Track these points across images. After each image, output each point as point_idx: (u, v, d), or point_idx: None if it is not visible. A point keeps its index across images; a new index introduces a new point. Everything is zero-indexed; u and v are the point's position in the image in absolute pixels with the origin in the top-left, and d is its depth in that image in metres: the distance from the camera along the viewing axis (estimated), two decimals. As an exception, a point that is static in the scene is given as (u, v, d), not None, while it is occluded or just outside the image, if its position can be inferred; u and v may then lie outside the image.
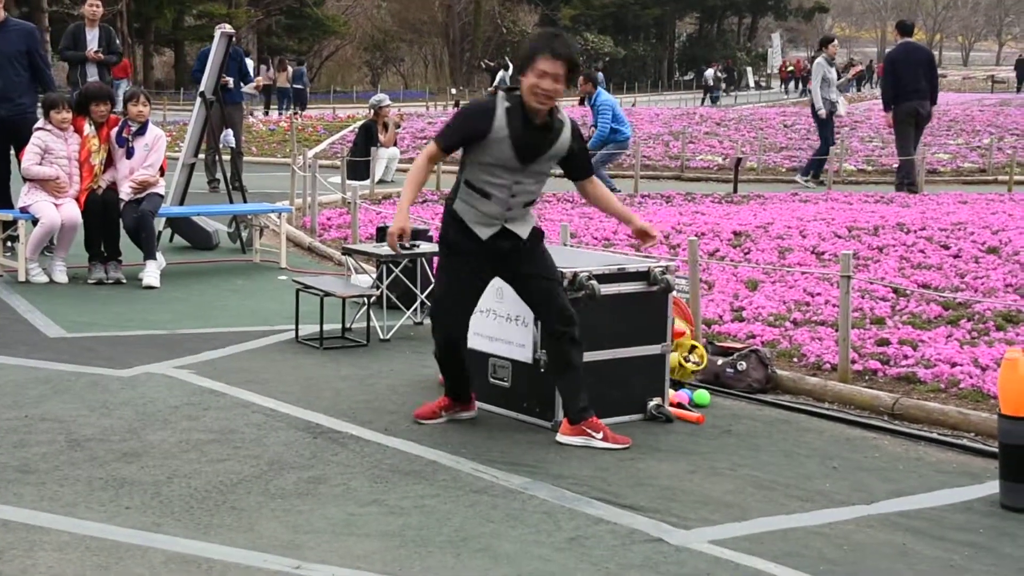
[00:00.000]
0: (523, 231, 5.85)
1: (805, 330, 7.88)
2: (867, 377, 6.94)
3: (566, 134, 5.70)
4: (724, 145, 25.52)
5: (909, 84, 17.43)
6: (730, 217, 13.42)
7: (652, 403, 6.23)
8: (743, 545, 4.53)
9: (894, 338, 7.52)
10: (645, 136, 26.82)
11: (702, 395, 6.62)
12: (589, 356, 5.97)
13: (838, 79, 20.85)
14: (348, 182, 15.55)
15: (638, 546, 4.50)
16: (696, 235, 10.53)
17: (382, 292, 8.32)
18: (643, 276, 6.18)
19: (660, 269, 6.22)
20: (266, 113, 38.46)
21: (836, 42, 21.25)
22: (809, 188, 18.95)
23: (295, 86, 40.28)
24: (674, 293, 6.40)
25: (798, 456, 5.73)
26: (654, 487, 5.18)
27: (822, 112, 19.46)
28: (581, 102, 17.97)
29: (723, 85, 63.39)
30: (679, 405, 6.41)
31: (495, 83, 50.37)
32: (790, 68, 73.07)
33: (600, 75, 50.69)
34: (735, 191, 18.17)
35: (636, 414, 6.22)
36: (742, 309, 8.47)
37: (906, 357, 7.15)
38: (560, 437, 5.78)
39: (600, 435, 5.73)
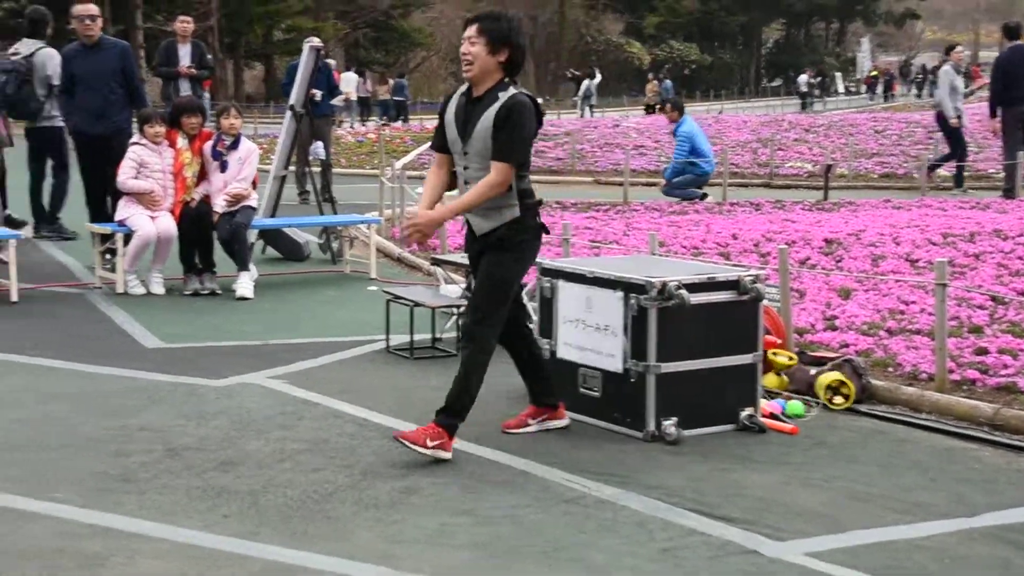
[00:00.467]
0: (479, 225, 5.70)
1: (900, 339, 7.76)
2: (965, 387, 6.81)
3: (492, 109, 5.49)
4: (814, 152, 25.28)
5: (1019, 88, 17.06)
6: (821, 224, 13.27)
7: (744, 413, 6.18)
8: (840, 558, 4.47)
9: (993, 347, 7.38)
10: (733, 144, 26.63)
11: (795, 406, 6.55)
12: (680, 366, 5.94)
13: (965, 87, 20.34)
14: (436, 192, 15.63)
15: (732, 558, 4.46)
16: (786, 243, 10.43)
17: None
18: (733, 285, 6.12)
19: (750, 278, 6.16)
20: (363, 124, 39.01)
21: (961, 48, 20.75)
22: (959, 194, 18.50)
23: (396, 98, 41.05)
24: (764, 302, 6.34)
25: (895, 467, 5.64)
26: (747, 498, 5.14)
27: (954, 122, 18.83)
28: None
29: (816, 91, 62.85)
30: (772, 416, 6.35)
31: (580, 92, 50.46)
32: (873, 73, 72.10)
33: (668, 82, 50.57)
34: (826, 198, 17.97)
35: (728, 424, 6.17)
36: (835, 318, 8.37)
37: (1006, 367, 7.00)
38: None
39: (432, 444, 5.51)
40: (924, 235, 11.76)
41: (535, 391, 6.08)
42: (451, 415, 5.58)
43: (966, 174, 19.69)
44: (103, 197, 10.78)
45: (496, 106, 5.48)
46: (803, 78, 62.23)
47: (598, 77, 51.96)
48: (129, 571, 4.18)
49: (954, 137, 19.37)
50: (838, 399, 6.61)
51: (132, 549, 4.39)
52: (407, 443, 5.46)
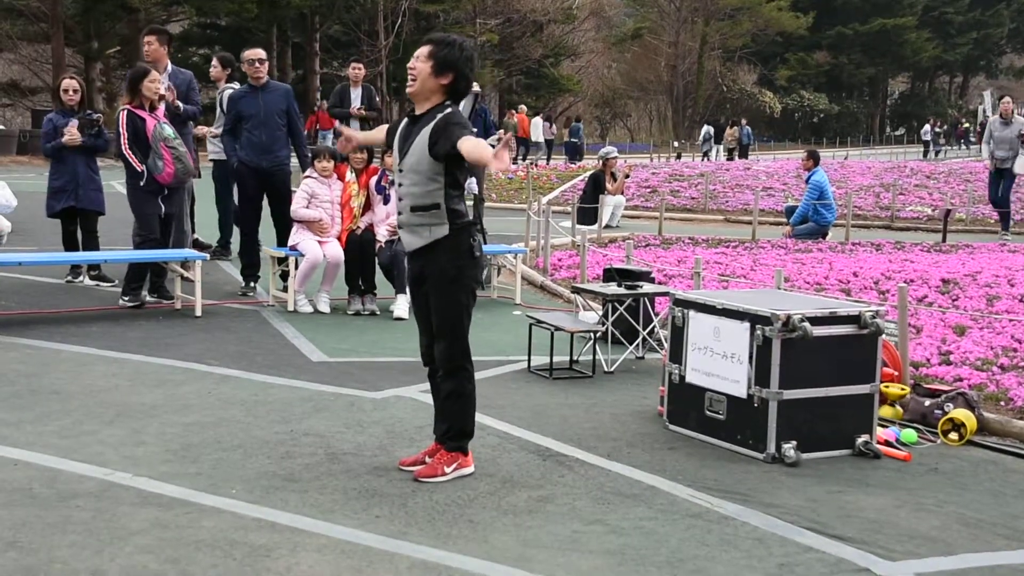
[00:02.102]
0: (409, 242, 5.40)
1: (1013, 375, 7.54)
2: (1074, 422, 6.59)
3: (428, 127, 5.22)
4: (933, 197, 24.71)
5: None
6: (938, 265, 12.97)
7: (860, 439, 6.06)
8: (948, 579, 4.35)
9: (1102, 385, 7.13)
10: (856, 187, 26.18)
11: (909, 434, 6.40)
12: (801, 393, 5.86)
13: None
14: (578, 226, 15.67)
15: (846, 575, 4.37)
16: (905, 281, 10.21)
17: (607, 328, 8.33)
18: (854, 320, 6.02)
19: (871, 313, 6.05)
20: (547, 163, 40.27)
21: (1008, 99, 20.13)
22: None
23: (571, 140, 41.80)
24: (883, 336, 6.21)
25: (1005, 496, 5.47)
26: (861, 519, 5.03)
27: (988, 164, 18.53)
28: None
29: (941, 140, 61.49)
30: (887, 443, 6.22)
31: (701, 137, 50.28)
32: (966, 125, 69.96)
33: (748, 128, 49.66)
34: (944, 240, 17.57)
35: (845, 449, 6.06)
36: (950, 353, 8.16)
37: (1113, 404, 6.76)
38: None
39: (451, 468, 5.39)
40: (1039, 277, 11.41)
41: (441, 428, 5.54)
42: (460, 437, 5.45)
43: None
44: (257, 223, 10.95)
45: (431, 125, 5.21)
46: (927, 128, 60.96)
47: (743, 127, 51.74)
48: (292, 562, 4.26)
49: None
50: (953, 435, 6.44)
51: (295, 542, 4.47)
52: (426, 480, 5.32)
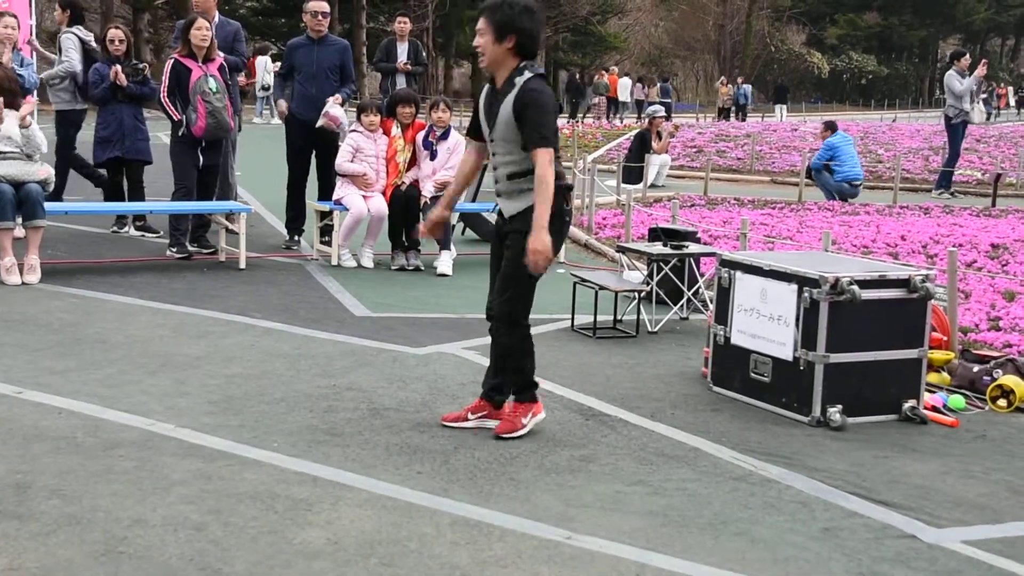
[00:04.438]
0: (507, 208, 5.33)
1: (1063, 342, 7.41)
2: (1126, 391, 6.46)
3: (510, 98, 5.14)
4: (984, 161, 24.35)
5: None
6: (988, 230, 12.77)
7: (907, 405, 5.97)
8: (996, 547, 4.27)
9: None
10: (905, 150, 25.85)
11: (957, 400, 6.31)
12: (848, 357, 5.78)
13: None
14: (623, 185, 15.55)
15: (891, 541, 4.31)
16: (955, 246, 10.06)
17: (652, 288, 8.26)
18: (904, 283, 5.92)
19: (920, 277, 5.95)
20: (609, 120, 41.44)
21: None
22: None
23: (664, 99, 42.12)
24: (932, 301, 6.11)
25: (1053, 465, 5.38)
26: (908, 485, 4.96)
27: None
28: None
29: (993, 103, 60.71)
30: (934, 408, 6.13)
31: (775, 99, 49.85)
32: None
33: (747, 87, 48.85)
34: (993, 205, 17.31)
35: (891, 414, 5.97)
36: (999, 319, 8.03)
37: None
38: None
39: (526, 420, 5.41)
40: (1091, 244, 11.21)
41: (491, 383, 5.55)
42: (525, 389, 5.43)
43: None
44: (304, 177, 10.92)
45: (512, 95, 5.13)
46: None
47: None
48: (333, 516, 4.25)
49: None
50: (1002, 402, 6.33)
51: (336, 496, 4.46)
52: (510, 436, 5.32)
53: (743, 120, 44.18)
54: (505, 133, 5.20)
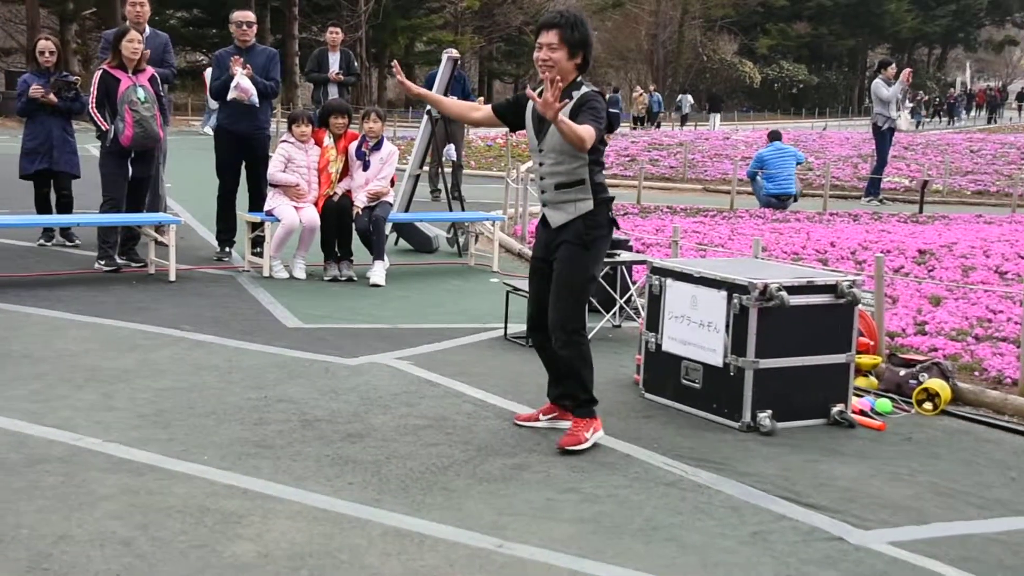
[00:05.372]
0: (554, 218, 5.43)
1: (987, 345, 7.55)
2: (1048, 393, 6.60)
3: (569, 106, 5.19)
4: (911, 168, 24.73)
5: None
6: (915, 236, 12.97)
7: (835, 409, 6.05)
8: (921, 548, 4.34)
9: (1076, 356, 7.13)
10: (835, 158, 26.20)
11: (884, 404, 6.40)
12: (777, 363, 5.84)
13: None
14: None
15: (819, 543, 4.36)
16: (882, 252, 10.21)
17: (585, 296, 8.29)
18: (831, 289, 6.00)
19: (847, 283, 6.03)
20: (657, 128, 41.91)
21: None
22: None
23: (612, 110, 42.32)
24: (859, 306, 6.20)
25: (977, 465, 5.48)
26: (835, 488, 5.02)
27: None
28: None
29: (921, 111, 61.90)
30: (862, 412, 6.21)
31: (678, 103, 50.47)
32: (959, 95, 70.69)
33: (657, 95, 50.24)
34: (920, 211, 17.59)
35: (819, 418, 6.05)
36: (925, 323, 8.16)
37: (1088, 375, 6.77)
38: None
39: (588, 435, 5.45)
40: (1014, 249, 11.43)
41: (556, 391, 5.71)
42: (585, 404, 5.50)
43: None
44: (235, 188, 10.84)
45: (570, 107, 5.21)
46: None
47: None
48: (263, 529, 4.22)
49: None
50: (928, 405, 6.43)
51: (266, 509, 4.43)
52: (574, 448, 5.35)
53: (658, 128, 44.71)
54: (559, 143, 5.27)
